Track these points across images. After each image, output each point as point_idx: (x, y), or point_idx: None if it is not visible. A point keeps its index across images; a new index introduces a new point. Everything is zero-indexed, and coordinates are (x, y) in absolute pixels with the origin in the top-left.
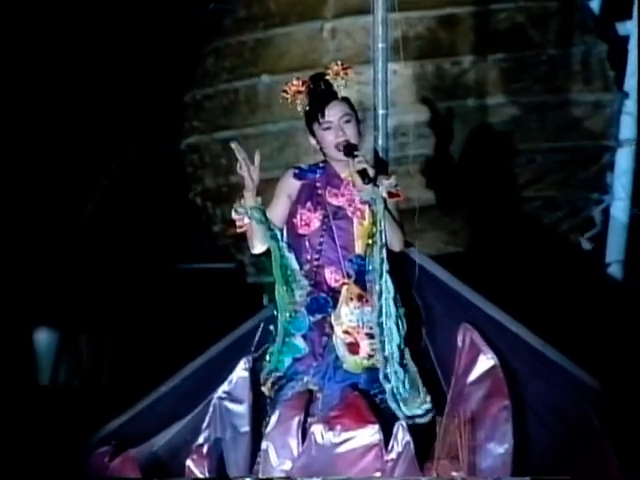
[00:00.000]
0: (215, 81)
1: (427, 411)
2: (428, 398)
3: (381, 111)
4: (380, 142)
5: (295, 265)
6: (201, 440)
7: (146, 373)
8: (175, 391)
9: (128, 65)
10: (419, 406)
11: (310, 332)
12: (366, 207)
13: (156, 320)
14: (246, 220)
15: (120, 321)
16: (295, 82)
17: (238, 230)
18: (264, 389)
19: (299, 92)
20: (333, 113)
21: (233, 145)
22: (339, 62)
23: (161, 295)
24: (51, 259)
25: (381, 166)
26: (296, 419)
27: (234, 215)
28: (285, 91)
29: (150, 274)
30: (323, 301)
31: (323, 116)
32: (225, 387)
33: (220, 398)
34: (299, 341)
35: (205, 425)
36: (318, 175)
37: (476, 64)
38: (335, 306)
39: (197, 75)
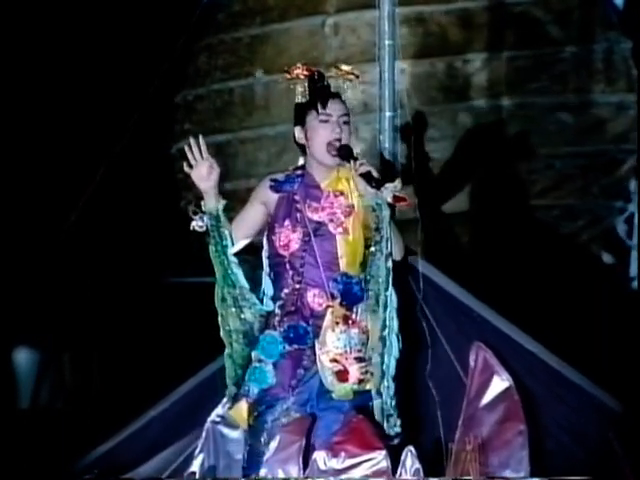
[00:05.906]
0: (208, 80)
1: (397, 434)
2: (398, 422)
3: (388, 113)
4: (387, 146)
5: (244, 282)
6: (194, 467)
7: (134, 396)
8: (165, 415)
9: (113, 63)
10: (392, 427)
11: (283, 360)
12: (350, 221)
13: (144, 338)
14: (201, 222)
15: (106, 339)
16: (299, 65)
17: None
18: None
19: (303, 75)
20: (335, 108)
21: (192, 141)
22: (345, 66)
23: (149, 311)
24: (31, 273)
25: (389, 171)
26: (296, 445)
27: (191, 215)
28: (287, 72)
29: (137, 288)
30: (302, 331)
31: (324, 107)
32: (219, 410)
33: (214, 422)
34: (269, 369)
35: (198, 451)
36: (296, 186)
37: (489, 62)
38: (316, 336)
39: (188, 74)
